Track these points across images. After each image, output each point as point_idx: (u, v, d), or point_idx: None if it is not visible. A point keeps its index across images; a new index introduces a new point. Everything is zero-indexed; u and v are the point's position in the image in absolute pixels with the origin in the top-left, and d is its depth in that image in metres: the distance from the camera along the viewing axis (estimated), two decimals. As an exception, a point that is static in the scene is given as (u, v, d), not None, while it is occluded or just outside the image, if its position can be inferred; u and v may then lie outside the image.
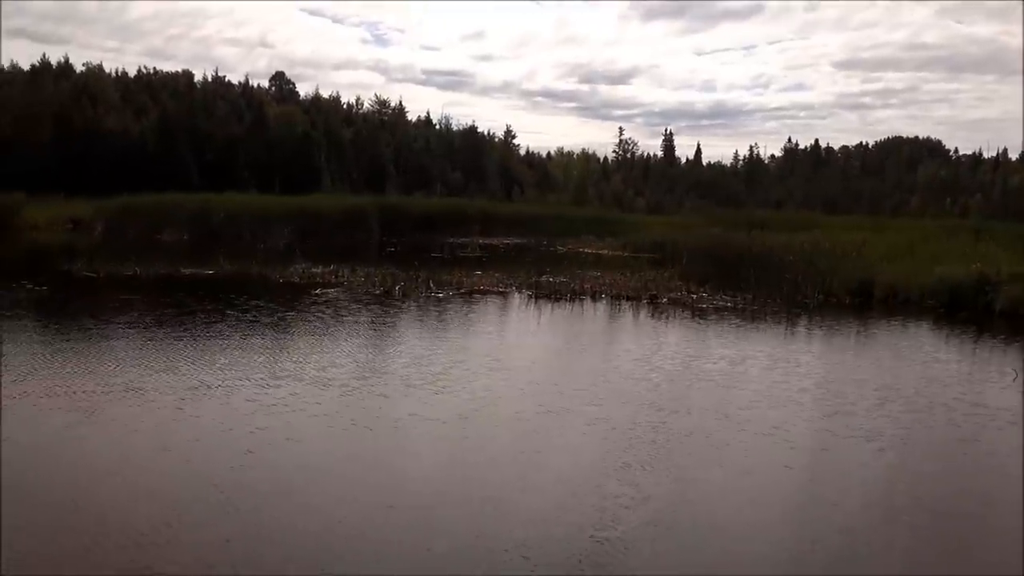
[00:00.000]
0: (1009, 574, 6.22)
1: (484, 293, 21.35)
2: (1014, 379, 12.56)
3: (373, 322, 16.66)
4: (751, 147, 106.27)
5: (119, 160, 51.39)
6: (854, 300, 21.33)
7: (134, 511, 6.65)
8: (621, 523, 6.71)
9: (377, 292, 20.47)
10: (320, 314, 16.96)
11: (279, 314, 16.91)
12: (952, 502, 7.73)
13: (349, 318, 16.71)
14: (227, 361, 12.02)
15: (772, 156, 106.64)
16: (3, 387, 9.97)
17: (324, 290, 20.52)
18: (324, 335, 14.77)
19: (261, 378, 11.03)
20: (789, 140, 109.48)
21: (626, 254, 35.71)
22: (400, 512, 6.87)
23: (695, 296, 21.17)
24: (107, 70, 68.00)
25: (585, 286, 22.36)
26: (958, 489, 8.11)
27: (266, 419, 9.18)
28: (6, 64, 63.20)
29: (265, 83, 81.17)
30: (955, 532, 7.07)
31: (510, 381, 11.66)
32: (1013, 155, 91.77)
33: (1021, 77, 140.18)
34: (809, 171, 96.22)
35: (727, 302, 20.43)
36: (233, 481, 7.36)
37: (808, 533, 6.91)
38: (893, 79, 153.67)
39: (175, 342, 13.48)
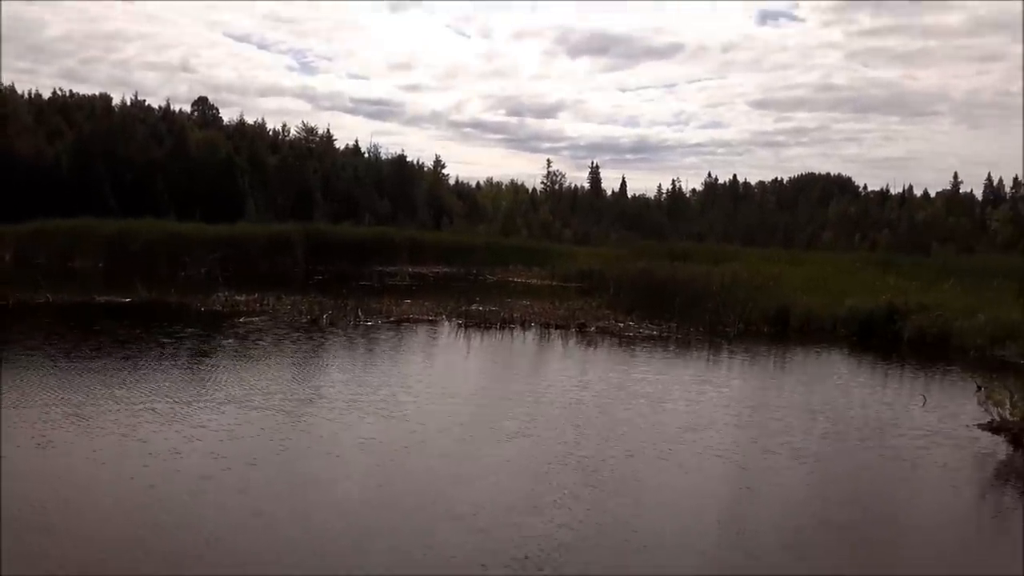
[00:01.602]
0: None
1: (413, 322, 21.25)
2: (923, 404, 13.22)
3: (299, 351, 16.38)
4: (673, 181, 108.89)
5: (31, 184, 49.23)
6: (772, 329, 22.11)
7: (91, 537, 6.40)
8: (551, 544, 6.76)
9: (304, 321, 20.13)
10: (243, 343, 16.57)
11: (199, 343, 16.44)
12: (873, 513, 8.08)
13: (274, 347, 16.38)
14: (142, 390, 11.62)
15: (693, 190, 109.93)
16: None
17: (248, 319, 20.07)
18: (246, 364, 14.44)
19: (167, 408, 10.70)
20: (709, 175, 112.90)
21: (554, 283, 36.11)
22: (326, 537, 6.77)
23: (622, 325, 21.57)
24: (19, 91, 65.41)
25: (514, 315, 22.51)
26: (878, 502, 8.48)
27: (183, 446, 8.92)
28: (-92, 82, 60.07)
29: (187, 108, 79.39)
30: (878, 541, 7.39)
31: (439, 408, 11.62)
32: (918, 192, 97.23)
33: (921, 119, 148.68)
34: (728, 205, 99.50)
35: (652, 330, 20.88)
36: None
37: (738, 546, 7.10)
38: (805, 118, 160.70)
39: (89, 372, 12.96)
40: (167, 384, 12.26)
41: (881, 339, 20.51)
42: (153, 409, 10.63)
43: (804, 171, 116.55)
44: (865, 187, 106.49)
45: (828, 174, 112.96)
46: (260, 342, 16.72)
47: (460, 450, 9.73)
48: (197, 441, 9.34)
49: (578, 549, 6.81)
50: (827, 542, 7.44)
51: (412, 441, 9.90)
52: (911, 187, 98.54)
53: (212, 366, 14.23)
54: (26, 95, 65.88)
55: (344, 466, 9.03)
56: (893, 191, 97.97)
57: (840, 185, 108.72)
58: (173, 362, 14.23)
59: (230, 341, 16.73)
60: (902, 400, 13.86)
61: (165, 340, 16.30)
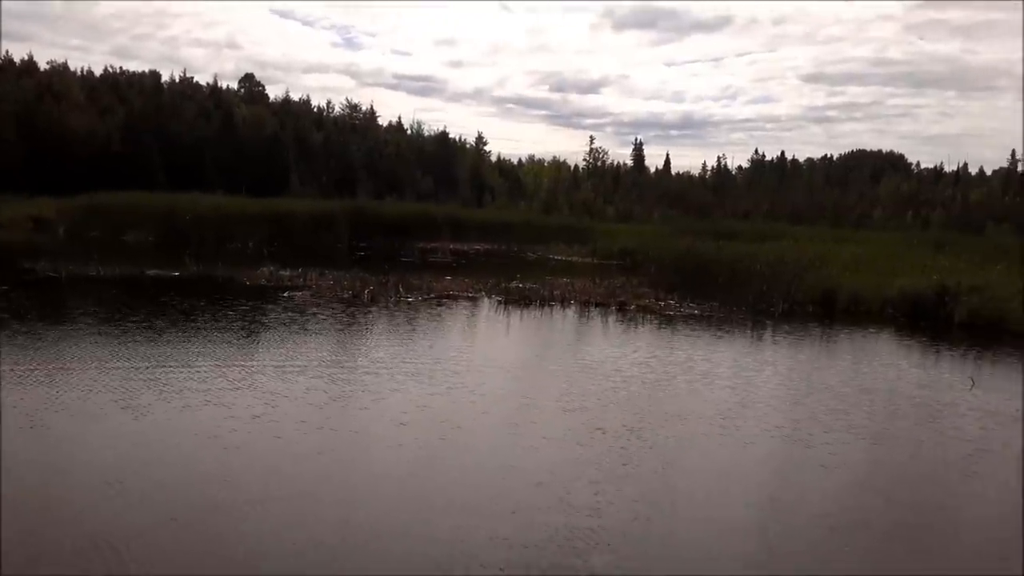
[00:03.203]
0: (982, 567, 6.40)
1: (454, 298, 21.34)
2: (971, 387, 12.88)
3: (341, 326, 16.58)
4: (719, 158, 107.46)
5: (84, 159, 50.56)
6: (818, 309, 21.70)
7: (124, 515, 6.56)
8: (594, 526, 6.76)
9: (346, 296, 20.36)
10: (288, 318, 16.82)
11: (246, 318, 16.74)
12: (925, 501, 7.92)
13: (317, 322, 16.60)
14: (193, 363, 11.89)
15: (739, 167, 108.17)
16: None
17: (292, 293, 20.36)
18: (291, 339, 14.65)
19: (220, 380, 10.94)
20: (756, 152, 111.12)
21: (595, 261, 35.93)
22: (372, 518, 6.87)
23: (663, 304, 21.37)
24: (72, 69, 66.91)
25: (554, 292, 22.46)
26: (930, 489, 8.31)
27: (228, 422, 9.12)
28: (-33, 60, 61.75)
29: (234, 85, 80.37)
30: (931, 530, 7.24)
31: (480, 386, 11.65)
32: (973, 170, 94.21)
33: (981, 94, 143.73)
34: (775, 182, 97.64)
35: (694, 310, 20.66)
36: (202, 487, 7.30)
37: (786, 533, 7.02)
38: (858, 93, 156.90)
39: (139, 345, 13.29)
40: (231, 353, 12.58)
41: (931, 321, 20.00)
42: (224, 376, 11.16)
43: (855, 147, 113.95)
44: (918, 164, 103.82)
45: (880, 151, 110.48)
46: (304, 318, 16.95)
47: (510, 422, 9.77)
48: (272, 406, 9.77)
49: (634, 525, 6.80)
50: (890, 523, 7.30)
51: (451, 421, 9.95)
52: (966, 165, 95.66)
53: (254, 343, 14.48)
54: (79, 72, 67.41)
55: (406, 432, 9.13)
56: (947, 169, 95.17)
57: (892, 162, 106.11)
58: (231, 334, 14.51)
59: (273, 317, 16.99)
60: (954, 382, 13.50)
61: (210, 315, 16.66)
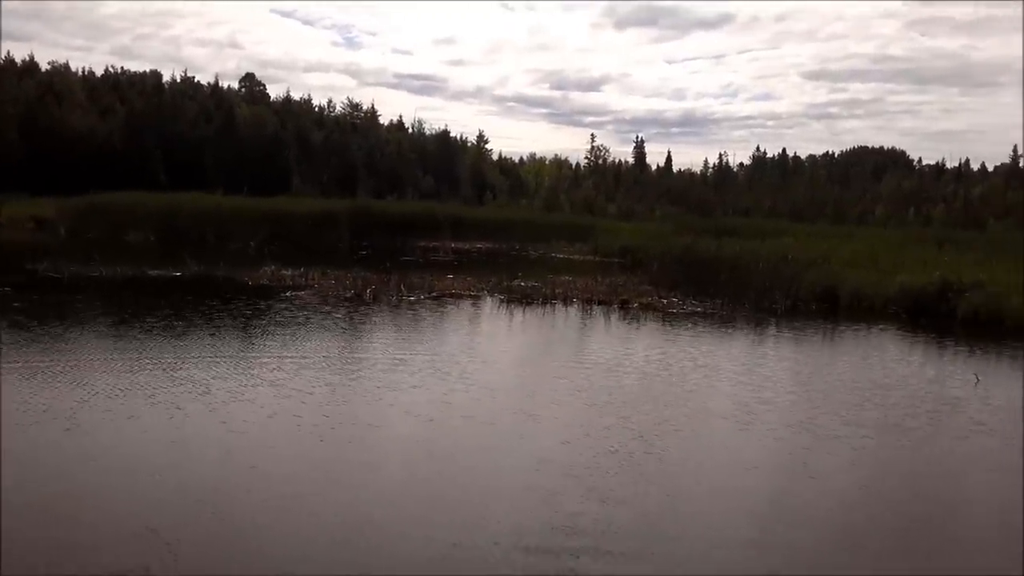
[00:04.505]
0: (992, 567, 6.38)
1: (456, 297, 21.32)
2: (975, 383, 12.85)
3: (347, 325, 16.57)
4: (720, 155, 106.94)
5: (85, 159, 50.55)
6: (820, 306, 21.67)
7: (129, 512, 6.58)
8: (597, 521, 6.75)
9: (348, 295, 20.34)
10: (290, 317, 16.81)
11: (247, 317, 16.74)
12: (932, 500, 7.90)
13: (319, 321, 16.58)
14: (186, 364, 11.88)
15: (741, 164, 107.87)
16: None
17: (294, 293, 20.35)
18: (294, 338, 14.64)
19: (226, 382, 10.94)
20: (757, 149, 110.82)
21: (597, 259, 35.90)
22: (377, 516, 6.86)
23: (665, 301, 21.34)
24: (73, 69, 66.90)
25: (556, 290, 22.44)
26: (937, 485, 8.29)
27: (239, 424, 9.12)
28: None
29: (235, 84, 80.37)
30: (943, 526, 7.22)
31: (481, 384, 11.63)
32: (975, 166, 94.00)
33: (983, 90, 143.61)
34: (777, 180, 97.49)
35: (696, 307, 20.63)
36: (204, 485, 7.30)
37: (792, 530, 7.00)
38: (860, 90, 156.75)
39: (142, 346, 13.29)
40: (240, 352, 12.58)
41: (933, 317, 19.95)
42: (238, 374, 11.36)
43: (857, 144, 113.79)
44: (920, 161, 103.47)
45: (882, 147, 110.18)
46: (306, 317, 16.94)
47: (502, 428, 9.74)
48: (297, 402, 9.90)
49: (636, 521, 6.79)
50: (904, 520, 7.27)
51: (453, 418, 9.96)
52: (967, 161, 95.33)
53: (257, 343, 14.48)
54: (80, 72, 67.40)
55: (415, 425, 9.12)
56: (949, 165, 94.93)
57: (894, 159, 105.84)
58: (236, 333, 14.51)
59: (275, 316, 16.98)
60: (956, 378, 13.47)
61: (212, 316, 16.68)
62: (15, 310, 15.77)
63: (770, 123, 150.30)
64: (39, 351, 12.26)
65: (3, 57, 62.14)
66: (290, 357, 12.71)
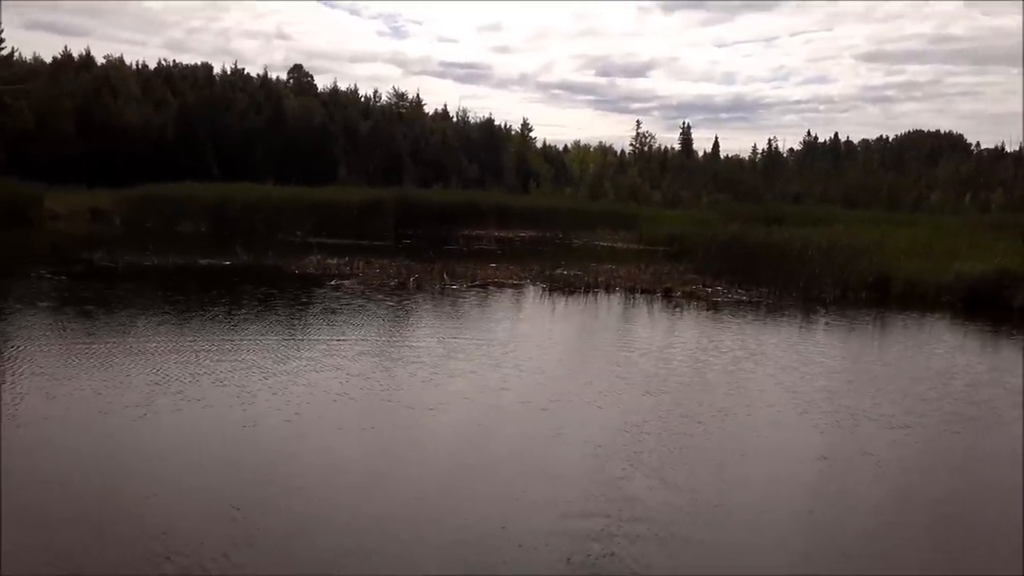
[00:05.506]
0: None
1: (499, 285, 21.37)
2: (1032, 375, 12.45)
3: (393, 312, 16.74)
4: (770, 140, 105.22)
5: (139, 151, 51.82)
6: (871, 295, 21.18)
7: (210, 496, 6.80)
8: (639, 513, 6.73)
9: (392, 284, 20.55)
10: (339, 304, 17.05)
11: (298, 305, 17.02)
12: (978, 494, 7.71)
13: (368, 308, 16.79)
14: (244, 350, 12.14)
15: (791, 150, 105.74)
16: (20, 379, 10.13)
17: (339, 281, 20.63)
18: (346, 325, 14.88)
19: (274, 368, 11.16)
20: (809, 133, 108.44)
21: (641, 247, 35.60)
22: (419, 504, 6.95)
23: (710, 290, 21.09)
24: (128, 63, 68.55)
25: (599, 279, 22.35)
26: (983, 479, 8.09)
27: (305, 408, 9.32)
28: (29, 57, 63.71)
29: (283, 76, 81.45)
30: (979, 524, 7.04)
31: (535, 370, 11.68)
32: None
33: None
34: (829, 165, 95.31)
35: (742, 296, 20.35)
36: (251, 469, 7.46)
37: (837, 528, 6.90)
38: (917, 72, 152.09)
39: (193, 333, 13.63)
40: (289, 339, 12.83)
41: (989, 307, 19.34)
42: (309, 358, 11.84)
43: (913, 128, 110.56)
44: (978, 145, 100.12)
45: (938, 131, 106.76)
46: (351, 305, 17.16)
47: (546, 417, 9.76)
48: (351, 385, 10.03)
49: (694, 507, 6.79)
50: (927, 528, 7.12)
51: (498, 407, 10.03)
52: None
53: (304, 331, 14.74)
54: (134, 66, 68.99)
55: (476, 410, 9.23)
56: (1009, 149, 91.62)
57: (951, 143, 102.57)
58: (266, 326, 14.79)
59: (321, 304, 17.24)
60: (1014, 370, 13.06)
61: (260, 304, 17.03)
62: (76, 299, 16.29)
63: (822, 107, 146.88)
64: (106, 335, 12.68)
65: (61, 52, 63.99)
66: (346, 341, 13.15)
